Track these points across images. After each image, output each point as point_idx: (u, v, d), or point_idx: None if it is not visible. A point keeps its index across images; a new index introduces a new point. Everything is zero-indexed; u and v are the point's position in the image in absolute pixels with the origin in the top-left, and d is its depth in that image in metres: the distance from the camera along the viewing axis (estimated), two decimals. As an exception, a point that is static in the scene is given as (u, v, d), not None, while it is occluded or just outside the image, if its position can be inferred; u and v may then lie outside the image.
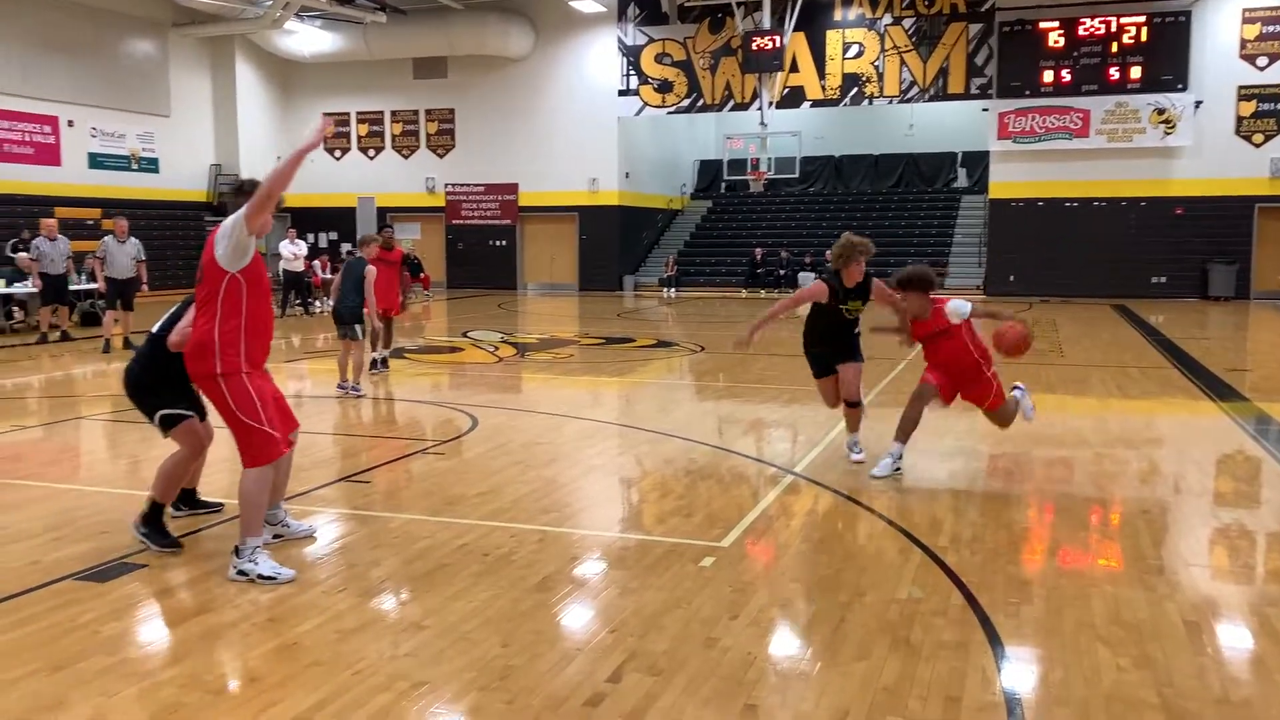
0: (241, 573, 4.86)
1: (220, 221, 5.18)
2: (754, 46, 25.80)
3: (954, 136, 31.14)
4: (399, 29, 27.76)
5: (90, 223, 23.35)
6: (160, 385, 5.49)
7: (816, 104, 27.57)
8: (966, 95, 26.39)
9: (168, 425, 5.52)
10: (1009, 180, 26.17)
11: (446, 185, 30.58)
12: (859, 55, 26.80)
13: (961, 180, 31.96)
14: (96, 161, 25.95)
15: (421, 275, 27.18)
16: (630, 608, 4.55)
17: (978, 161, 29.79)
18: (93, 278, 16.74)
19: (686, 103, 28.21)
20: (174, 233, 27.46)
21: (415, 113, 30.78)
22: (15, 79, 23.58)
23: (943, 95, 26.55)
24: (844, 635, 4.27)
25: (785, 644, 4.26)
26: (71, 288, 17.32)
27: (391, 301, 12.52)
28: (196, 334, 4.98)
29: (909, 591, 4.77)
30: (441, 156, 30.72)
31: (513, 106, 29.50)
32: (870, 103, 27.25)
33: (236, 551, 4.95)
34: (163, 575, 4.99)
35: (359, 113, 31.23)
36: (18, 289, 17.63)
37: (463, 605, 4.57)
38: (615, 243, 29.44)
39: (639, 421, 9.31)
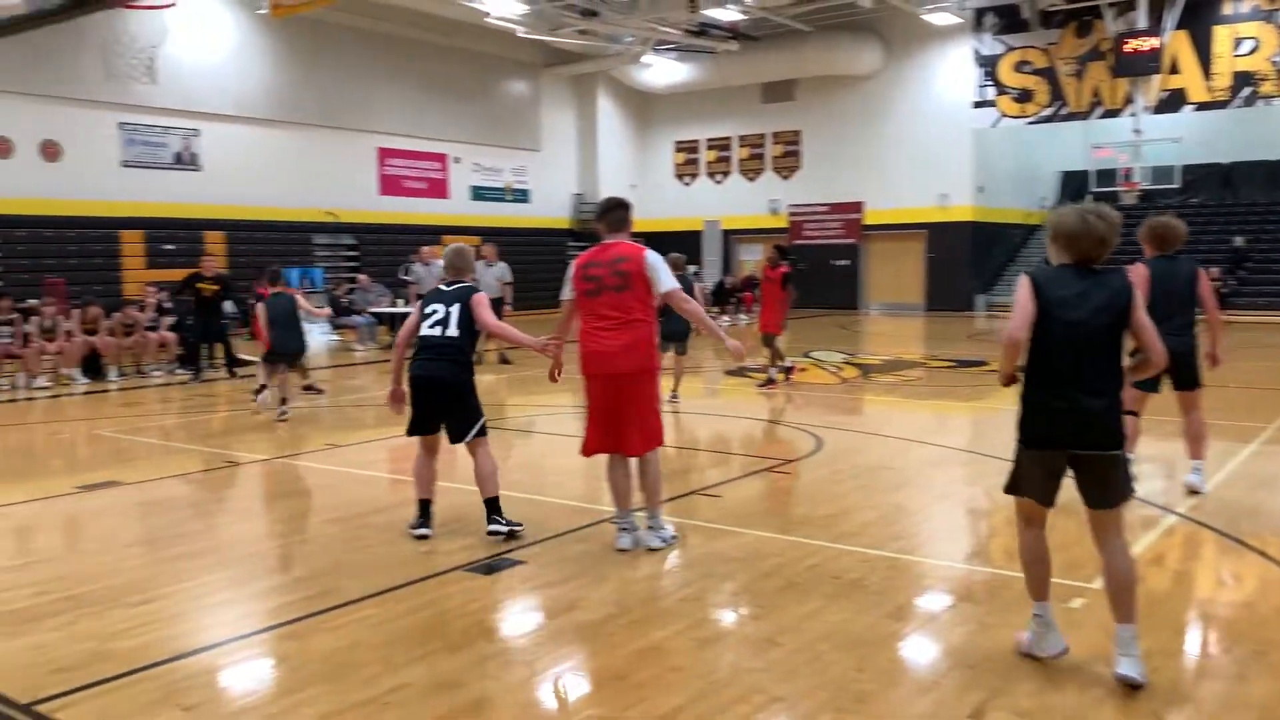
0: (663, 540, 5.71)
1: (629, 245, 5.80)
2: (1127, 48, 23.89)
3: (1373, 136, 27.12)
4: (749, 55, 28.45)
5: (481, 248, 25.82)
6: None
7: (1201, 107, 25.04)
8: (1391, 88, 22.90)
9: (482, 433, 6.10)
10: None
11: (790, 206, 30.85)
12: (1253, 51, 24.04)
13: (1382, 186, 27.72)
14: (477, 194, 28.77)
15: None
16: (990, 644, 4.34)
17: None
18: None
19: (1049, 111, 26.62)
20: (540, 257, 29.74)
21: (762, 136, 31.38)
22: (410, 122, 26.69)
23: (1359, 89, 23.22)
24: (1244, 696, 3.83)
25: (1172, 696, 3.89)
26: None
27: (770, 320, 13.05)
28: (640, 335, 5.67)
29: (1322, 655, 4.19)
30: (786, 178, 31.06)
31: (859, 124, 29.27)
32: (1267, 103, 24.34)
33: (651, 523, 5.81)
34: (539, 572, 5.41)
35: (709, 139, 32.31)
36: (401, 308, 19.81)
37: (816, 625, 4.57)
38: (966, 260, 28.30)
39: (993, 450, 8.85)
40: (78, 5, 7.15)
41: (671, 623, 4.62)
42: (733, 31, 27.03)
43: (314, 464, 7.86)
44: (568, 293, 5.89)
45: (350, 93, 25.13)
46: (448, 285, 6.25)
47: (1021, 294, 3.99)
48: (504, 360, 16.06)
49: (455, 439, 6.05)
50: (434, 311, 6.08)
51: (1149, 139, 24.98)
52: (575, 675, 4.14)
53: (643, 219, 35.77)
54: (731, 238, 32.17)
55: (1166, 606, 4.87)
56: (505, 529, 5.98)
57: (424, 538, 6.04)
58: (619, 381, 5.67)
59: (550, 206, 30.98)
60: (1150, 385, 6.49)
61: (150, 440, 10.02)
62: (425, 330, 6.07)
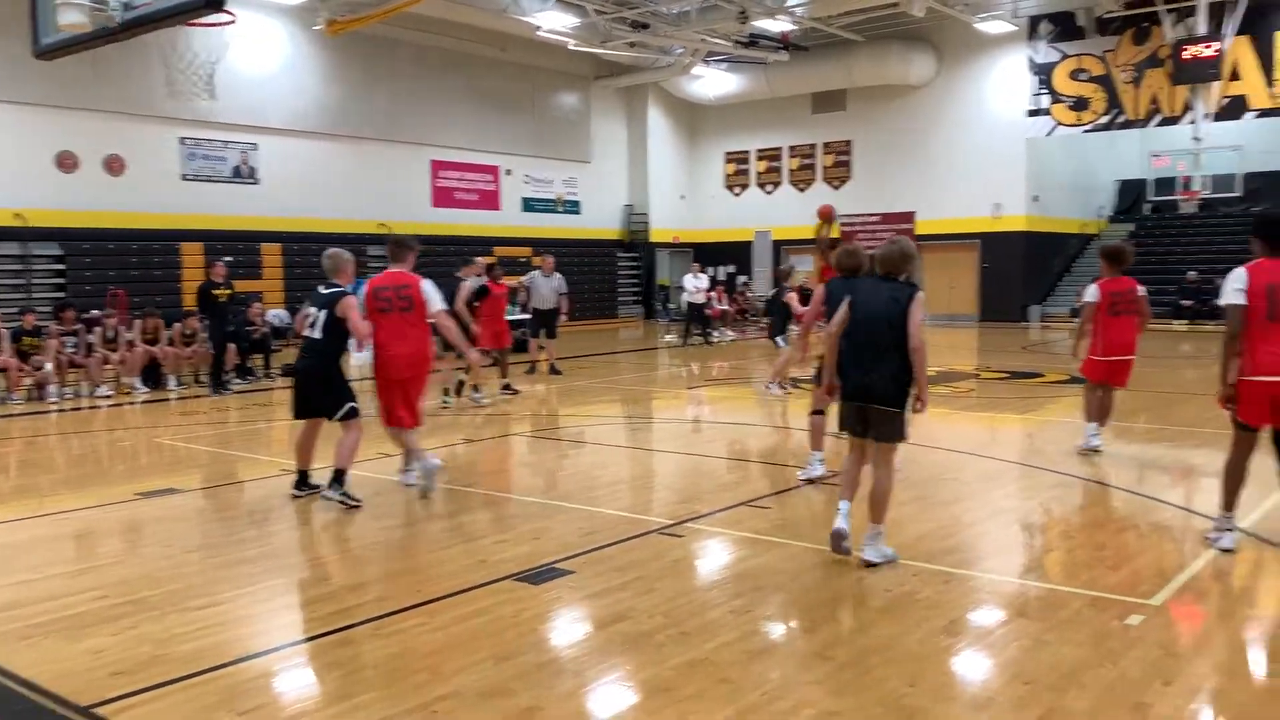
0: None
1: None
2: (1186, 55, 23.45)
3: None
4: (799, 65, 28.34)
5: (523, 260, 26.01)
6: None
7: (1264, 114, 24.45)
8: None
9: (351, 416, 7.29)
10: None
11: (841, 216, 30.61)
12: (1318, 56, 23.50)
13: None
14: (528, 205, 28.96)
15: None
16: (1046, 661, 4.26)
17: None
18: (524, 309, 18.57)
19: (1105, 119, 26.19)
20: (591, 267, 29.94)
21: (812, 146, 31.23)
22: (462, 134, 26.97)
23: None
24: (1308, 719, 3.72)
25: (1228, 719, 3.80)
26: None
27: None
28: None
29: (1393, 678, 4.06)
30: (837, 188, 30.87)
31: (911, 134, 29.02)
32: (1331, 109, 23.77)
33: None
34: (588, 582, 5.41)
35: (759, 150, 32.24)
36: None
37: (866, 640, 4.53)
38: (1020, 271, 27.87)
39: (1048, 463, 8.73)
40: (141, 23, 7.31)
41: (721, 634, 4.60)
42: (783, 42, 26.95)
43: (366, 473, 7.95)
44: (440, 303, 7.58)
45: (404, 106, 25.46)
46: (325, 289, 7.33)
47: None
48: (554, 370, 16.12)
49: (330, 417, 7.31)
50: (309, 314, 7.30)
51: (1209, 146, 24.46)
52: (624, 686, 4.13)
53: (692, 229, 35.74)
54: (782, 248, 32.04)
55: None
56: (337, 498, 7.12)
57: (298, 498, 7.38)
58: (405, 379, 7.45)
59: (601, 218, 31.10)
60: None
61: (208, 448, 10.20)
62: (305, 330, 7.31)
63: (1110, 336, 8.73)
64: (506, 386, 13.49)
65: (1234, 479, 5.75)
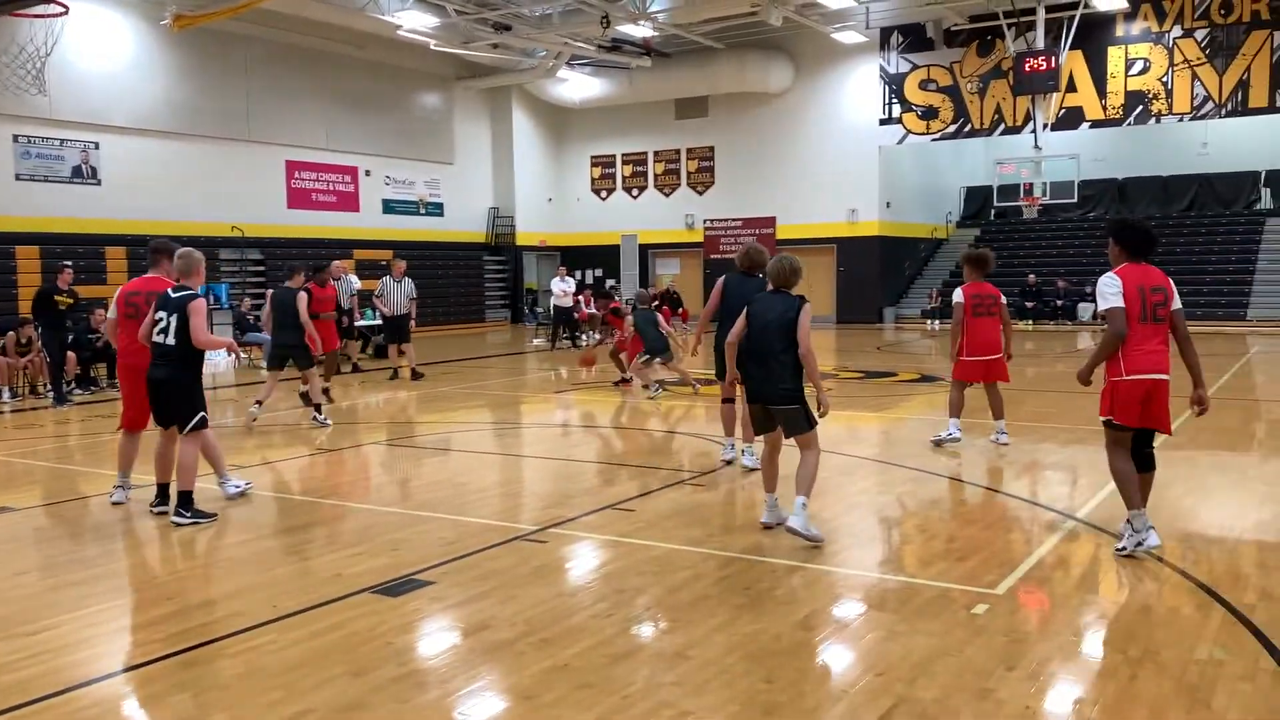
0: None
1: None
2: (1027, 67, 24.68)
3: (1255, 154, 28.43)
4: (662, 72, 28.65)
5: (384, 263, 25.48)
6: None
7: (1096, 124, 26.01)
8: (1271, 109, 24.05)
9: (201, 426, 7.09)
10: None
11: (705, 221, 31.10)
12: (1144, 71, 25.09)
13: (1265, 201, 29.05)
14: (389, 207, 28.37)
15: (680, 310, 27.81)
16: (898, 652, 4.41)
17: (1285, 180, 27.01)
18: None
19: (953, 128, 27.37)
20: (456, 271, 29.56)
21: (677, 151, 31.60)
22: (321, 135, 26.25)
23: (1242, 110, 24.34)
24: (1134, 695, 3.95)
25: (1066, 699, 3.99)
26: (359, 324, 18.97)
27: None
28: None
29: (1210, 652, 4.35)
30: (701, 193, 31.33)
31: (771, 141, 29.69)
32: (1158, 121, 25.42)
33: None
34: (449, 592, 5.33)
35: (624, 154, 32.43)
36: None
37: (725, 638, 4.59)
38: (875, 274, 28.87)
39: (901, 459, 9.05)
40: (-38, 12, 6.88)
41: (582, 639, 4.59)
42: (645, 48, 27.20)
43: (215, 485, 7.63)
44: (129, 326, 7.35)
45: (257, 105, 24.60)
46: (174, 292, 7.05)
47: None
48: (416, 376, 15.84)
49: (178, 428, 7.03)
50: (160, 319, 6.97)
51: (1049, 155, 25.81)
52: (484, 696, 4.07)
53: (560, 233, 35.60)
54: (649, 252, 32.32)
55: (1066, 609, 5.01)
56: (188, 521, 6.83)
57: (164, 513, 6.99)
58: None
59: (465, 220, 30.70)
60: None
61: (46, 464, 9.63)
62: (154, 336, 6.97)
63: (975, 338, 9.38)
64: (325, 390, 12.52)
65: (1127, 479, 5.73)
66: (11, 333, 14.75)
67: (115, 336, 7.55)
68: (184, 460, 6.98)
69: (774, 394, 6.22)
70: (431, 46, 25.28)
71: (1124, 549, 5.74)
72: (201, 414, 7.07)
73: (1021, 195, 26.33)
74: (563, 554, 6.20)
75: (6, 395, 14.24)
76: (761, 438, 6.62)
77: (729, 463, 8.64)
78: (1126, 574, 5.58)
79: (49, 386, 14.07)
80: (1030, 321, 26.27)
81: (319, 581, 5.53)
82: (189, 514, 6.87)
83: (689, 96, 30.36)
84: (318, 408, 11.54)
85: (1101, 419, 5.81)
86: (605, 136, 32.37)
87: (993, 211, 31.59)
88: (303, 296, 11.22)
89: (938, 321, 26.76)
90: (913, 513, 7.24)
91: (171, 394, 7.00)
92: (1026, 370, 17.05)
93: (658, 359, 13.56)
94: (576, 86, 30.35)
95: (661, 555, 5.95)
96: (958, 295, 9.48)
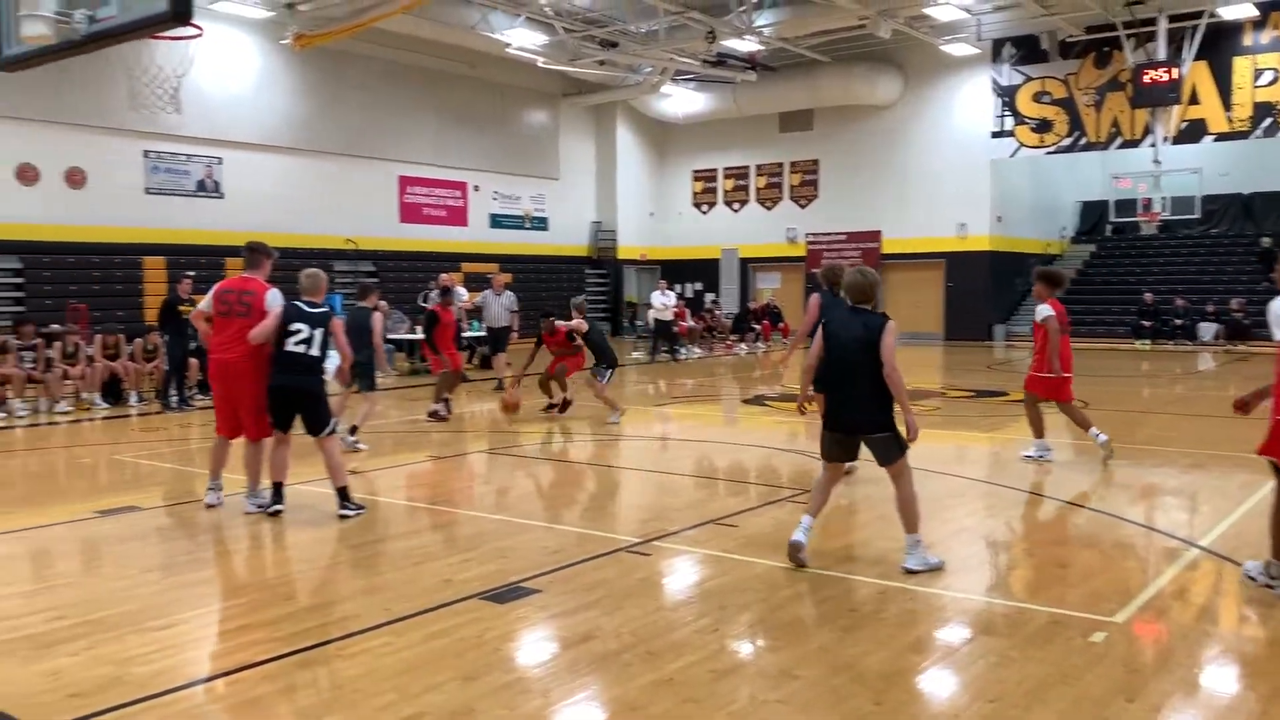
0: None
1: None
2: (1146, 79, 23.89)
3: (1397, 167, 27.00)
4: (767, 85, 28.58)
5: (490, 276, 25.98)
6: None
7: (1221, 138, 24.98)
8: None
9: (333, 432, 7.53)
10: None
11: (807, 235, 30.86)
12: (1273, 82, 24.01)
13: (1406, 218, 27.53)
14: (496, 221, 28.94)
15: (781, 324, 27.65)
16: (1011, 679, 4.29)
17: None
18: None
19: (1068, 142, 26.62)
20: (558, 284, 29.93)
21: (779, 165, 31.46)
22: (431, 150, 26.93)
23: (1381, 120, 23.14)
24: (1266, 736, 3.77)
25: (1192, 737, 3.83)
26: (465, 334, 19.31)
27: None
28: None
29: (1350, 694, 4.12)
30: (804, 207, 31.11)
31: (877, 154, 29.33)
32: (1287, 133, 24.31)
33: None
34: (554, 601, 5.39)
35: (726, 168, 32.43)
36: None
37: (831, 658, 4.54)
38: (985, 290, 28.19)
39: (1012, 481, 8.82)
40: (105, 36, 7.25)
41: (687, 653, 4.59)
42: (750, 62, 27.17)
43: (331, 490, 7.87)
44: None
45: (372, 122, 25.37)
46: (309, 307, 7.45)
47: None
48: (499, 386, 16.02)
49: (314, 433, 7.44)
50: (299, 330, 7.29)
51: (1169, 169, 24.92)
52: (591, 706, 4.11)
53: (660, 246, 35.71)
54: (749, 266, 32.23)
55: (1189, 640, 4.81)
56: (353, 513, 7.32)
57: (278, 514, 7.33)
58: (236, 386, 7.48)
59: (568, 234, 31.13)
60: None
61: (170, 465, 10.07)
62: (290, 346, 7.27)
63: (1066, 353, 9.41)
64: (434, 413, 12.61)
65: None
66: (139, 339, 15.48)
67: (205, 332, 7.68)
68: (333, 460, 7.43)
69: (861, 423, 5.88)
70: (539, 64, 25.71)
71: (1253, 578, 5.47)
72: (335, 419, 7.57)
73: (1140, 210, 25.48)
74: (666, 567, 6.22)
75: (134, 400, 14.93)
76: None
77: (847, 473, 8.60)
78: (1253, 607, 5.33)
79: (174, 391, 14.67)
80: (1148, 341, 25.33)
81: (429, 586, 5.66)
82: (352, 507, 7.36)
83: (793, 110, 30.20)
84: (353, 429, 10.86)
85: (1267, 459, 5.28)
86: (707, 150, 32.43)
87: (1109, 227, 30.60)
88: (376, 317, 11.03)
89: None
90: (1023, 537, 7.05)
91: (313, 401, 7.41)
92: (1143, 392, 16.48)
93: (609, 373, 12.51)
94: (680, 101, 30.49)
95: (764, 573, 5.91)
96: (1049, 311, 9.37)
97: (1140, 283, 27.54)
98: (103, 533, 7.19)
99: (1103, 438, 9.26)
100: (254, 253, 7.84)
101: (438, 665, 4.47)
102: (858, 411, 5.86)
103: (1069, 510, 7.75)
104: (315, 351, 7.34)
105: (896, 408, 5.88)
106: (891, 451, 5.87)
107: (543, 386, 13.34)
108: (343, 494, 7.41)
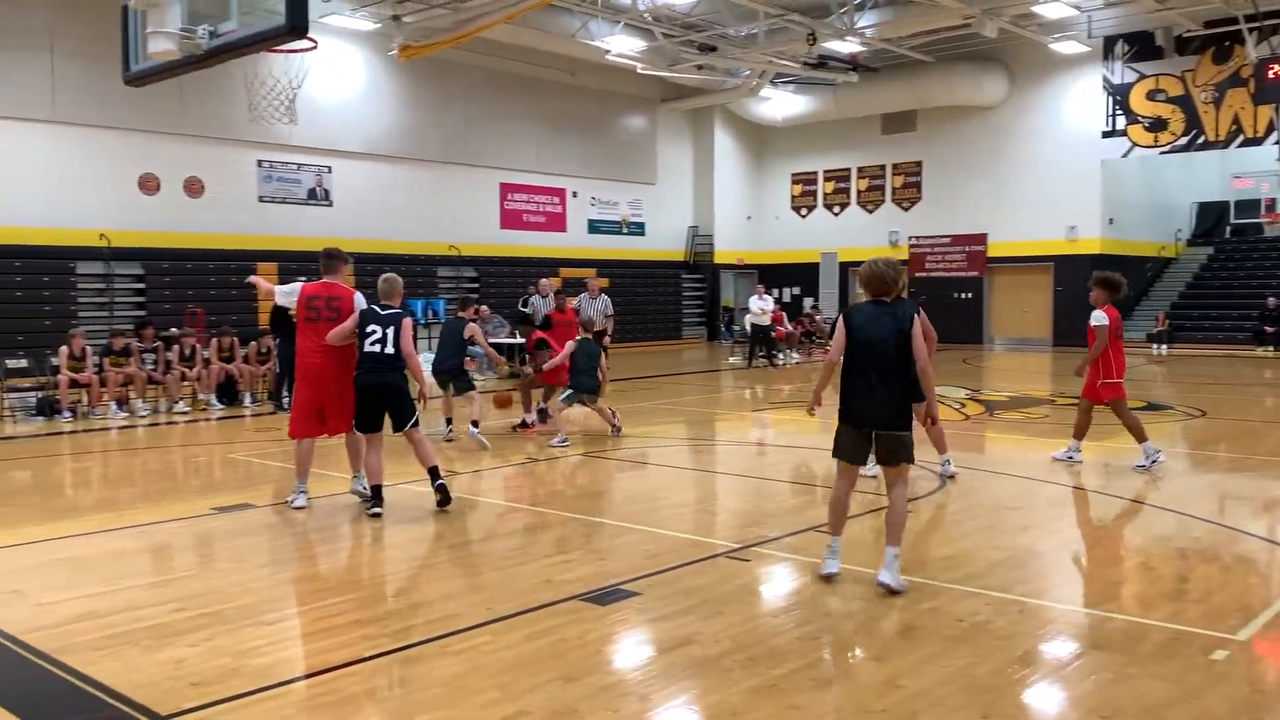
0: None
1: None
2: (1270, 74, 22.83)
3: None
4: (868, 86, 28.21)
5: (586, 281, 26.20)
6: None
7: (1350, 134, 23.77)
8: None
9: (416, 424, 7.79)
10: None
11: (911, 238, 30.33)
12: None
13: None
14: (594, 227, 29.17)
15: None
16: (1128, 695, 4.14)
17: None
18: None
19: (1184, 141, 25.61)
20: (655, 289, 30.05)
21: (881, 167, 31.00)
22: (531, 158, 27.31)
23: None
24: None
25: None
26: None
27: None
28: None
29: None
30: (906, 210, 30.58)
31: (983, 155, 28.67)
32: None
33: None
34: (654, 605, 5.40)
35: (826, 171, 32.09)
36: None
37: (937, 669, 4.44)
38: (1094, 295, 27.25)
39: (1125, 492, 8.51)
40: (226, 50, 7.55)
41: (789, 661, 4.55)
42: (852, 63, 26.86)
43: (428, 487, 8.03)
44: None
45: (474, 130, 25.86)
46: (382, 309, 7.73)
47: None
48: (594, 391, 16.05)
49: (397, 429, 7.72)
50: (373, 331, 7.60)
51: (1294, 168, 23.84)
52: (690, 710, 4.10)
53: (757, 251, 35.54)
54: (849, 270, 31.82)
55: (1321, 663, 4.57)
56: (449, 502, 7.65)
57: (377, 515, 7.50)
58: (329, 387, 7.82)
59: (665, 239, 31.21)
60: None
61: (280, 464, 10.40)
62: (368, 347, 7.59)
63: (1121, 360, 9.84)
64: (542, 412, 12.82)
65: None
66: (253, 343, 16.05)
67: (415, 357, 7.91)
68: (421, 448, 7.78)
69: (890, 419, 5.59)
70: (638, 70, 25.84)
71: None
72: (416, 415, 7.77)
73: (1263, 211, 24.38)
74: (765, 573, 6.18)
75: (248, 401, 15.48)
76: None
77: (951, 478, 8.74)
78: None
79: (286, 392, 15.15)
80: (1271, 348, 24.19)
81: (530, 587, 5.72)
82: (448, 498, 7.69)
83: (896, 111, 29.72)
84: (474, 423, 11.19)
85: None
86: (807, 153, 32.14)
87: (1228, 228, 29.34)
88: (472, 326, 11.84)
89: (1165, 346, 25.05)
90: (1137, 548, 6.80)
91: (398, 397, 7.70)
92: (1266, 401, 15.76)
93: (582, 397, 11.66)
94: (779, 104, 30.30)
95: (866, 581, 5.82)
96: (1104, 317, 9.72)
97: (1262, 287, 26.31)
98: (218, 528, 7.47)
99: (1077, 456, 9.60)
100: (332, 259, 8.16)
101: (540, 665, 4.52)
102: (887, 408, 5.62)
103: (1185, 522, 7.44)
104: (390, 349, 7.61)
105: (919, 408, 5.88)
106: (900, 454, 5.70)
107: (524, 393, 12.99)
108: (434, 473, 7.73)
